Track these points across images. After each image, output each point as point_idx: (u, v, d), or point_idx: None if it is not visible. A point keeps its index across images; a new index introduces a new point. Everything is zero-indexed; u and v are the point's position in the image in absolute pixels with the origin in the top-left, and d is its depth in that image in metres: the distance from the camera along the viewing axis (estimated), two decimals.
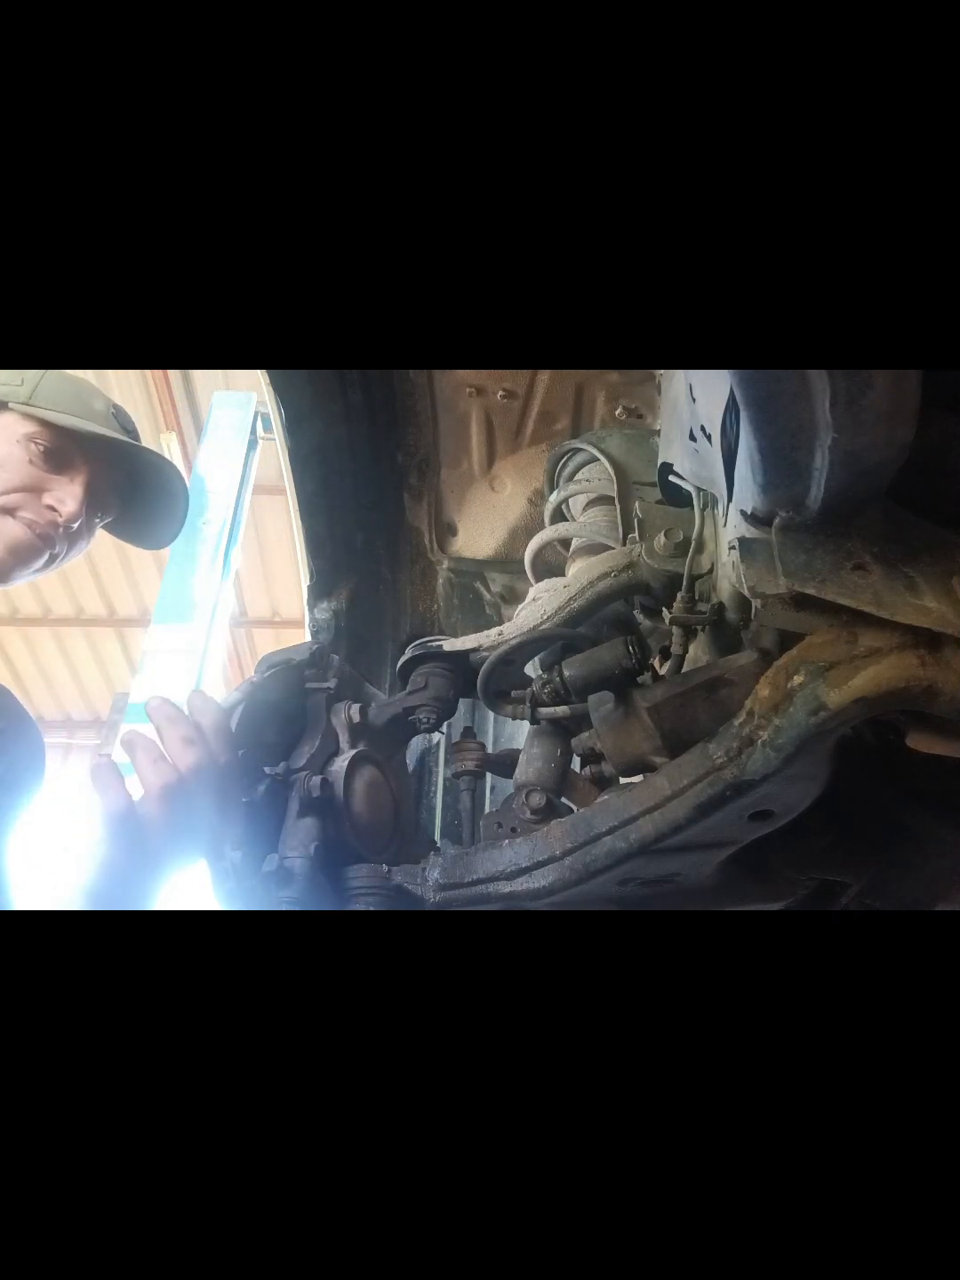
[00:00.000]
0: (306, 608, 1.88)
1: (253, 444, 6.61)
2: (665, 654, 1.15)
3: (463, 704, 1.31)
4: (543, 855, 0.97)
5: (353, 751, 1.14)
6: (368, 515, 1.89)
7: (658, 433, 1.39)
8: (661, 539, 1.12)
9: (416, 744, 1.51)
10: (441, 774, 1.91)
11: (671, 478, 1.21)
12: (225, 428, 6.66)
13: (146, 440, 1.63)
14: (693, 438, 1.07)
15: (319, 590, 1.86)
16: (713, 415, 0.96)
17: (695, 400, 1.04)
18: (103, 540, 1.61)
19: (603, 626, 1.25)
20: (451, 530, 1.93)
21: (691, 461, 1.12)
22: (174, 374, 7.51)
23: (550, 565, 1.54)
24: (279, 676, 1.17)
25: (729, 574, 1.00)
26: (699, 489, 1.13)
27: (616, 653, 1.06)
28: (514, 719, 1.22)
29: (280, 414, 1.64)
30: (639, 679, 1.06)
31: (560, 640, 1.18)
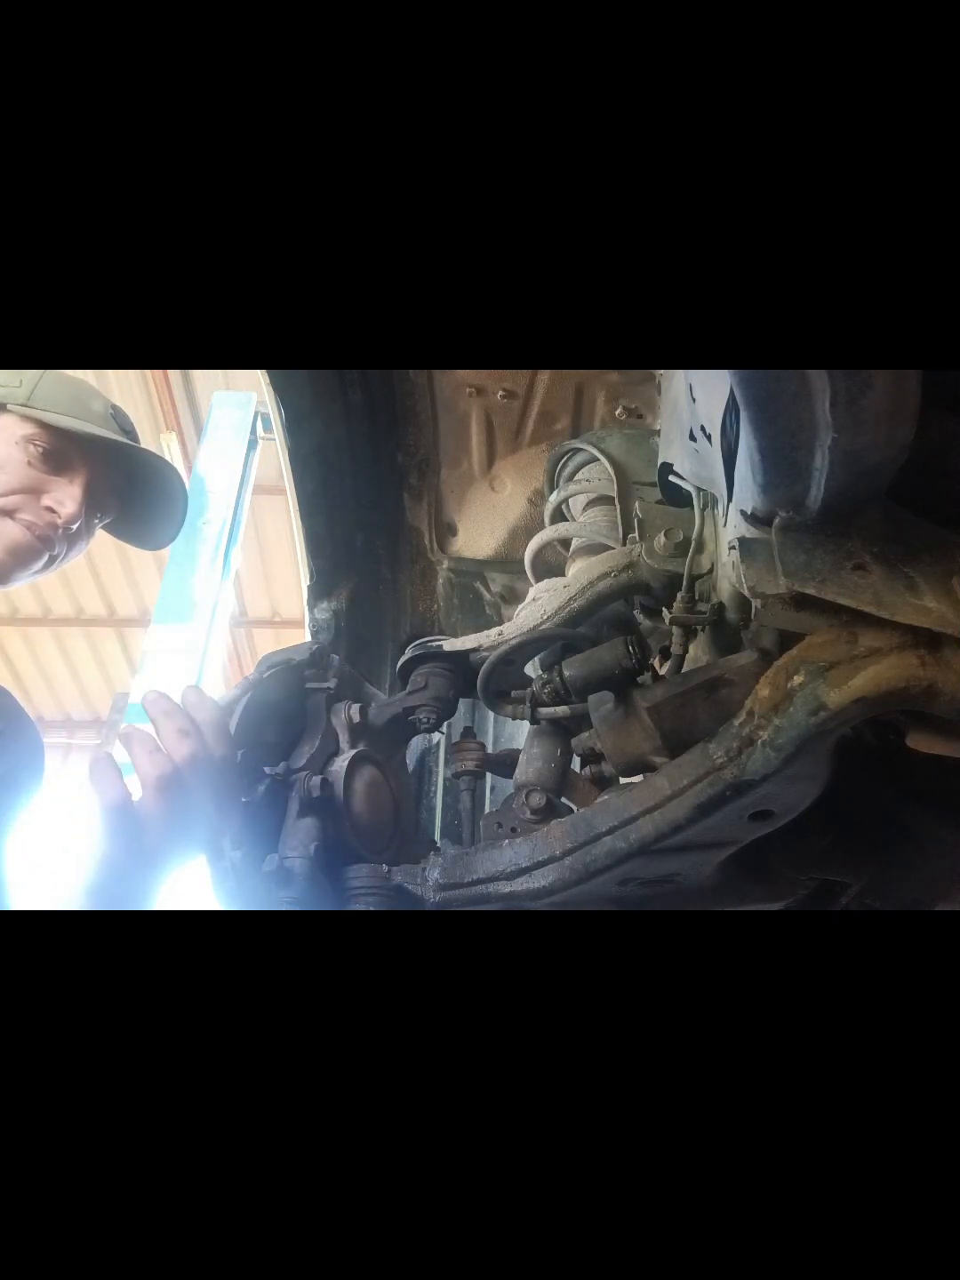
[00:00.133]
0: (306, 608, 1.88)
1: (253, 444, 6.61)
2: (665, 654, 1.15)
3: (463, 704, 1.31)
4: (543, 855, 0.97)
5: (353, 751, 1.14)
6: (368, 515, 1.89)
7: (658, 433, 1.39)
8: (661, 539, 1.12)
9: (416, 744, 1.51)
10: (441, 774, 1.91)
11: (671, 478, 1.21)
12: (225, 428, 6.66)
13: (146, 440, 1.63)
14: (693, 438, 1.07)
15: (319, 590, 1.86)
16: (713, 415, 0.96)
17: (695, 400, 1.04)
18: (103, 540, 1.61)
19: (603, 626, 1.25)
20: (451, 530, 1.93)
21: (691, 461, 1.12)
22: (174, 374, 7.51)
23: (550, 565, 1.54)
24: (279, 676, 1.17)
25: (729, 574, 1.00)
26: (699, 489, 1.13)
27: (616, 653, 1.06)
28: (514, 719, 1.22)
29: (280, 414, 1.64)
30: (639, 679, 1.06)
31: (560, 640, 1.18)
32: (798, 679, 0.86)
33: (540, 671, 1.18)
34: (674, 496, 1.23)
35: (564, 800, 1.16)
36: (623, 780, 1.13)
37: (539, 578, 1.52)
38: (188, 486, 1.67)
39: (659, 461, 1.27)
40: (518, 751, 1.21)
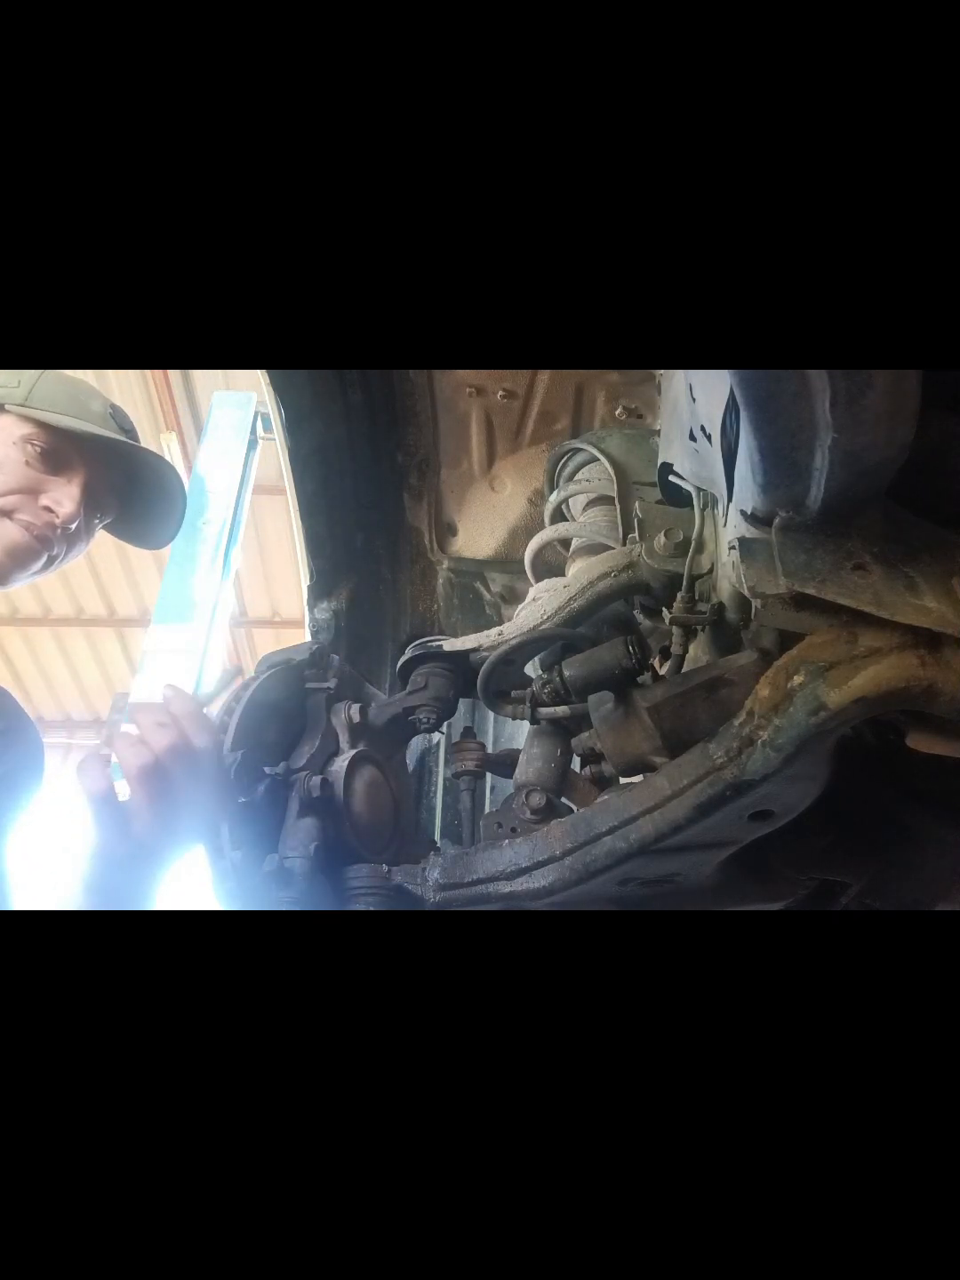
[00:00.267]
0: (306, 608, 1.88)
1: (253, 444, 6.60)
2: (665, 654, 1.15)
3: (463, 704, 1.31)
4: (543, 855, 0.97)
5: (353, 751, 1.14)
6: (368, 515, 1.89)
7: (658, 433, 1.39)
8: (661, 539, 1.12)
9: (416, 744, 1.51)
10: (441, 774, 1.91)
11: (671, 478, 1.21)
12: (225, 428, 6.65)
13: (146, 440, 1.63)
14: (693, 438, 1.07)
15: (319, 590, 1.86)
16: (713, 415, 0.96)
17: (695, 400, 1.04)
18: (103, 540, 1.61)
19: (603, 626, 1.25)
20: (451, 530, 1.93)
21: (691, 461, 1.12)
22: (174, 374, 7.50)
23: (550, 565, 1.54)
24: (279, 676, 1.17)
25: (729, 574, 1.00)
26: (699, 489, 1.13)
27: (616, 653, 1.06)
28: (514, 719, 1.22)
29: (280, 414, 1.64)
30: (639, 679, 1.06)
31: (560, 640, 1.18)
32: (798, 679, 0.86)
33: (540, 671, 1.18)
34: (674, 496, 1.23)
35: (564, 800, 1.16)
36: (623, 780, 1.13)
37: (539, 578, 1.52)
38: (187, 486, 1.67)
39: (659, 461, 1.27)
40: (518, 751, 1.21)
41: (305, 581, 1.86)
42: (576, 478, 1.54)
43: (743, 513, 0.91)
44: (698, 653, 1.17)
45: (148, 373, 7.24)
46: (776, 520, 0.87)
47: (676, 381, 1.18)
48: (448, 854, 1.03)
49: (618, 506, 1.43)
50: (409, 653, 1.28)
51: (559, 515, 1.58)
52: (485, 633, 1.26)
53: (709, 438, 1.01)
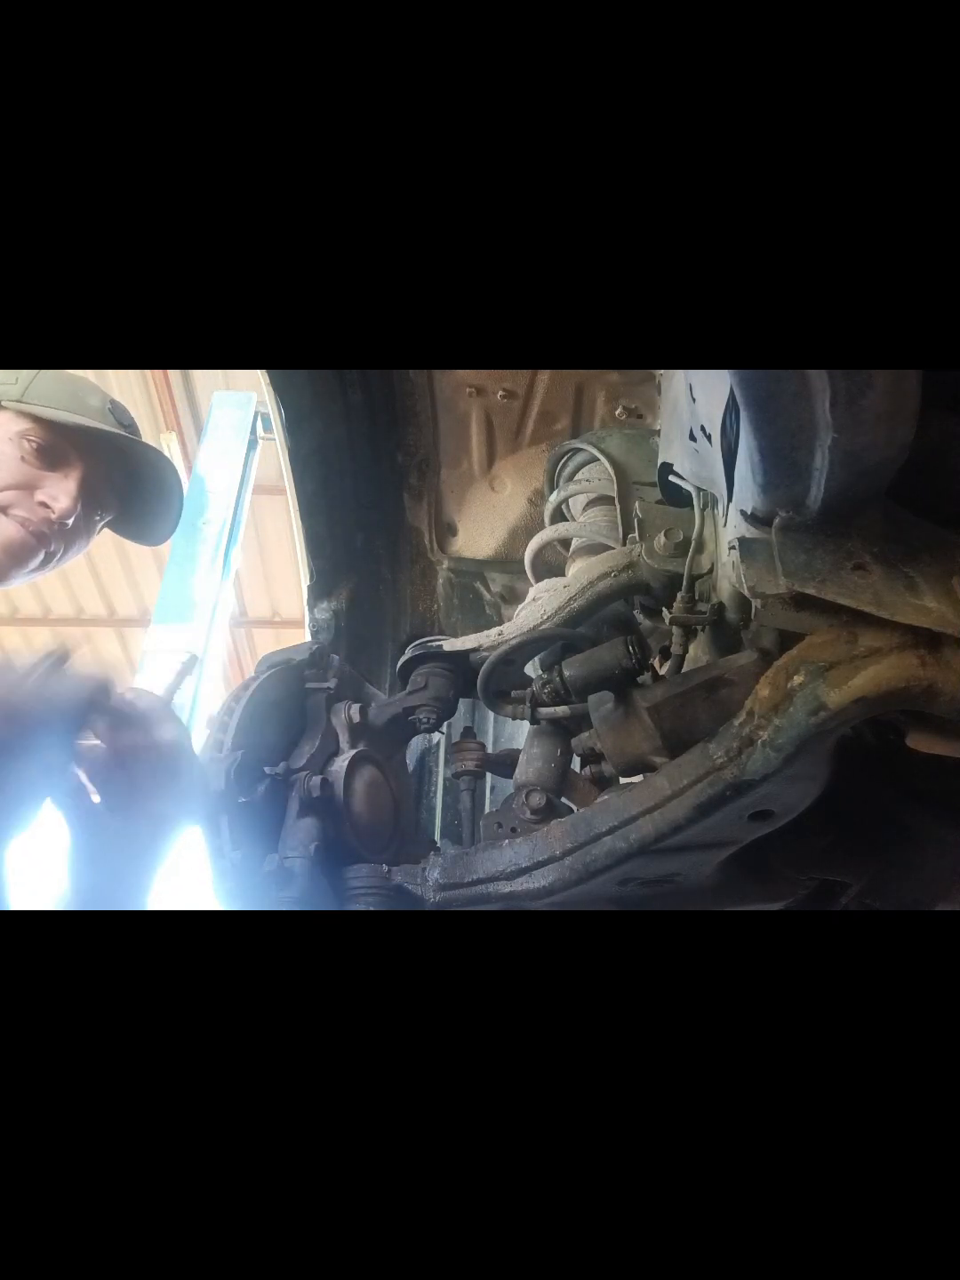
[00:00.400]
0: (306, 608, 1.88)
1: (253, 444, 6.60)
2: (665, 654, 1.15)
3: (463, 704, 1.31)
4: (543, 855, 0.97)
5: (353, 751, 1.14)
6: (368, 515, 1.89)
7: (658, 433, 1.39)
8: (661, 539, 1.12)
9: (416, 744, 1.51)
10: (441, 774, 1.91)
11: (671, 478, 1.21)
12: (225, 428, 6.65)
13: (146, 440, 1.63)
14: (693, 438, 1.07)
15: (319, 590, 1.86)
16: (713, 415, 0.96)
17: (695, 400, 1.04)
18: (103, 540, 1.61)
19: (603, 626, 1.25)
20: (451, 530, 1.93)
21: (691, 461, 1.12)
22: (174, 374, 7.50)
23: (550, 565, 1.54)
24: (279, 676, 1.17)
25: (729, 574, 1.00)
26: (699, 489, 1.13)
27: (616, 653, 1.06)
28: (514, 719, 1.22)
29: (280, 414, 1.64)
30: (639, 679, 1.06)
31: (560, 640, 1.18)
32: (798, 679, 0.86)
33: (540, 671, 1.18)
34: (674, 496, 1.23)
35: (564, 800, 1.16)
36: (623, 780, 1.13)
37: (539, 578, 1.52)
38: (187, 486, 1.67)
39: (659, 461, 1.27)
40: (518, 751, 1.21)
41: (305, 581, 1.86)
42: (576, 478, 1.54)
43: (743, 513, 0.91)
44: (698, 653, 1.17)
45: (148, 373, 7.23)
46: (776, 520, 0.87)
47: (676, 381, 1.18)
48: (448, 854, 1.03)
49: (618, 506, 1.43)
50: (409, 653, 1.28)
51: (559, 515, 1.58)
52: (485, 633, 1.26)
53: (709, 438, 1.01)
